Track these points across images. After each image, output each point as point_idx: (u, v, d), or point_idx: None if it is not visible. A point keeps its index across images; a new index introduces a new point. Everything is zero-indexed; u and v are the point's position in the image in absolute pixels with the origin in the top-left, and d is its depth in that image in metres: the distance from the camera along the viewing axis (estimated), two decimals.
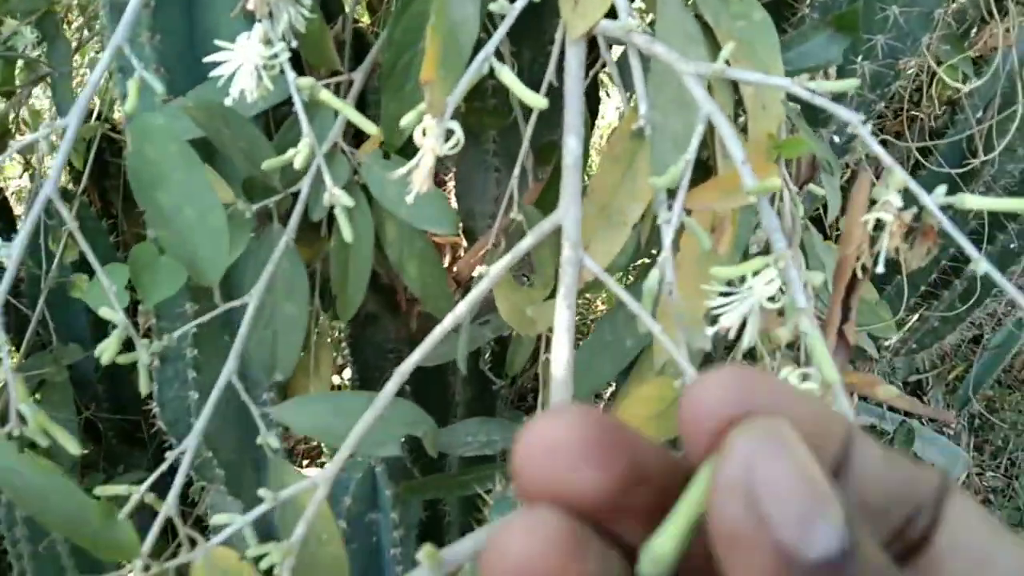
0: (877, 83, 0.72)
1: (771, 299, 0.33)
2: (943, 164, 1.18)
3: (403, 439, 0.48)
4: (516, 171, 0.50)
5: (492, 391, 1.10)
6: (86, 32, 1.03)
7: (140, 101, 0.52)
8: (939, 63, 0.84)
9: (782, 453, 0.15)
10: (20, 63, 0.95)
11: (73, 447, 0.39)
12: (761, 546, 0.14)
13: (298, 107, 0.39)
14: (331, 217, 0.63)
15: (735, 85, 0.49)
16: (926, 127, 1.20)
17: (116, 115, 1.32)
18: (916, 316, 1.53)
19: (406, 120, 0.34)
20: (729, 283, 0.34)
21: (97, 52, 1.32)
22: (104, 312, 0.43)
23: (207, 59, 0.37)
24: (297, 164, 0.39)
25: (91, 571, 1.00)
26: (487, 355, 1.12)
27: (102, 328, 1.14)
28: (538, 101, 0.35)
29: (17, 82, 0.99)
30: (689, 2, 0.46)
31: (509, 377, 1.07)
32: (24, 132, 1.25)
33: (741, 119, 0.50)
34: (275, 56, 0.39)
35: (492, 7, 0.37)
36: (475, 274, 0.74)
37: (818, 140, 0.60)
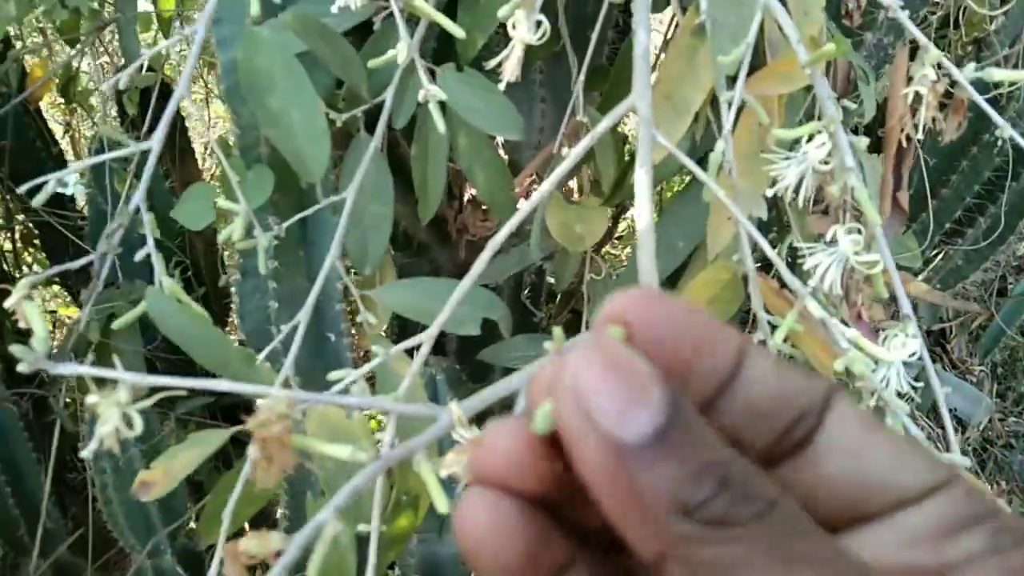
0: (906, 6, 0.75)
1: (823, 161, 0.38)
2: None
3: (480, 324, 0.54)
4: (581, 78, 0.55)
5: (533, 322, 1.16)
6: None
7: (231, 24, 0.57)
8: None
9: (601, 358, 0.17)
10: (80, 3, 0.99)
11: (199, 310, 0.45)
12: (590, 438, 0.17)
13: (396, 12, 0.44)
14: (407, 134, 0.68)
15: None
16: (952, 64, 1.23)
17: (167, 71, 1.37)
18: (940, 255, 1.56)
19: (503, 12, 0.39)
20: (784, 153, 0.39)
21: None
22: (223, 204, 0.49)
23: None
24: (400, 59, 0.44)
25: (175, 515, 1.07)
26: (527, 290, 1.18)
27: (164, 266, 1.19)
28: None
29: (82, 30, 1.04)
30: None
31: (556, 296, 1.13)
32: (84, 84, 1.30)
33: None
34: None
35: None
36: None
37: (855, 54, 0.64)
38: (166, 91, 1.35)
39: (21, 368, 0.28)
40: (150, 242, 0.46)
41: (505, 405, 0.35)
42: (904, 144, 0.41)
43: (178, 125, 1.38)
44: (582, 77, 0.56)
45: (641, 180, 0.38)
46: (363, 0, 0.44)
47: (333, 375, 0.44)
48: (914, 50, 1.03)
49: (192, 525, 1.16)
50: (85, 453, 0.34)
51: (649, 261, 0.34)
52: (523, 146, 0.92)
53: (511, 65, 0.40)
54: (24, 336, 1.38)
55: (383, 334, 1.20)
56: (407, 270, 1.03)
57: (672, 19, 0.76)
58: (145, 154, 1.24)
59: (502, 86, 0.41)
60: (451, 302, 0.44)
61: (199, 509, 1.07)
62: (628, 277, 0.65)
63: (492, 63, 0.41)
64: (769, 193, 0.39)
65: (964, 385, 2.10)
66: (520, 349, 0.88)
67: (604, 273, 0.86)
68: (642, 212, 0.37)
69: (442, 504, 0.26)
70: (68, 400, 1.14)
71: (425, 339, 0.43)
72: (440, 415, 0.28)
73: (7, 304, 0.42)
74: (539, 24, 0.40)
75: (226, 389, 0.27)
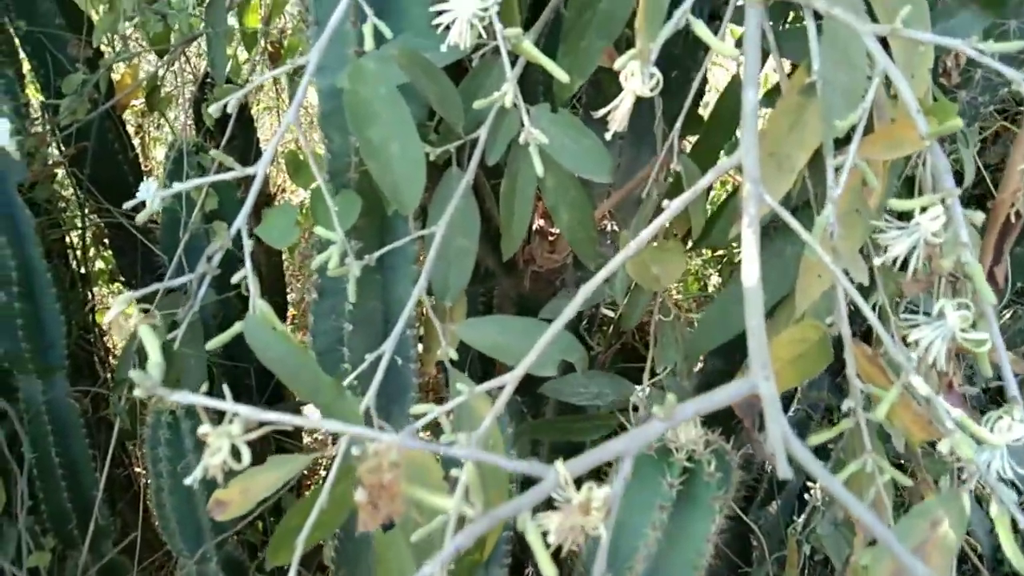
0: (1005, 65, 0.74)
1: (935, 234, 0.37)
2: None
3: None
4: (679, 124, 0.55)
5: (590, 356, 1.16)
6: None
7: (333, 50, 0.58)
8: None
9: None
10: (180, 22, 1.02)
11: (294, 338, 0.45)
12: None
13: (503, 55, 0.45)
14: (485, 168, 0.69)
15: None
16: None
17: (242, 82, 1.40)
18: (1009, 314, 1.52)
19: (619, 63, 0.39)
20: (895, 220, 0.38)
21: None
22: (320, 231, 0.49)
23: (438, 19, 0.43)
24: (507, 103, 0.44)
25: (225, 525, 1.08)
26: (584, 322, 1.17)
27: (228, 272, 1.22)
28: (730, 51, 0.39)
29: (172, 40, 1.07)
30: None
31: (615, 337, 1.13)
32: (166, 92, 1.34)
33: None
34: (486, 9, 0.44)
35: None
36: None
37: None
38: (244, 104, 1.37)
39: (137, 394, 0.28)
40: (248, 266, 0.47)
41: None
42: (1013, 220, 0.40)
43: (252, 137, 1.41)
44: (678, 125, 0.56)
45: (749, 239, 0.37)
46: (472, 40, 0.44)
47: (415, 409, 0.44)
48: (1003, 112, 1.00)
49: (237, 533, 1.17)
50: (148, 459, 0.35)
51: (759, 323, 0.34)
52: (595, 183, 0.92)
53: (620, 115, 0.40)
54: (89, 331, 1.41)
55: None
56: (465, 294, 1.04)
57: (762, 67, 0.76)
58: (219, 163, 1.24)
59: (609, 135, 0.41)
60: (539, 344, 0.44)
61: (250, 520, 1.08)
62: (712, 325, 0.64)
63: (600, 113, 0.41)
64: (877, 263, 0.38)
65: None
66: (581, 385, 0.88)
67: (672, 315, 0.85)
68: (750, 271, 0.37)
69: (550, 570, 0.25)
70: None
71: (509, 380, 0.43)
72: (547, 475, 0.28)
73: (106, 320, 0.43)
74: (651, 76, 0.40)
75: (333, 430, 0.27)
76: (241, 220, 0.47)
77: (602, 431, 0.87)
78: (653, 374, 0.85)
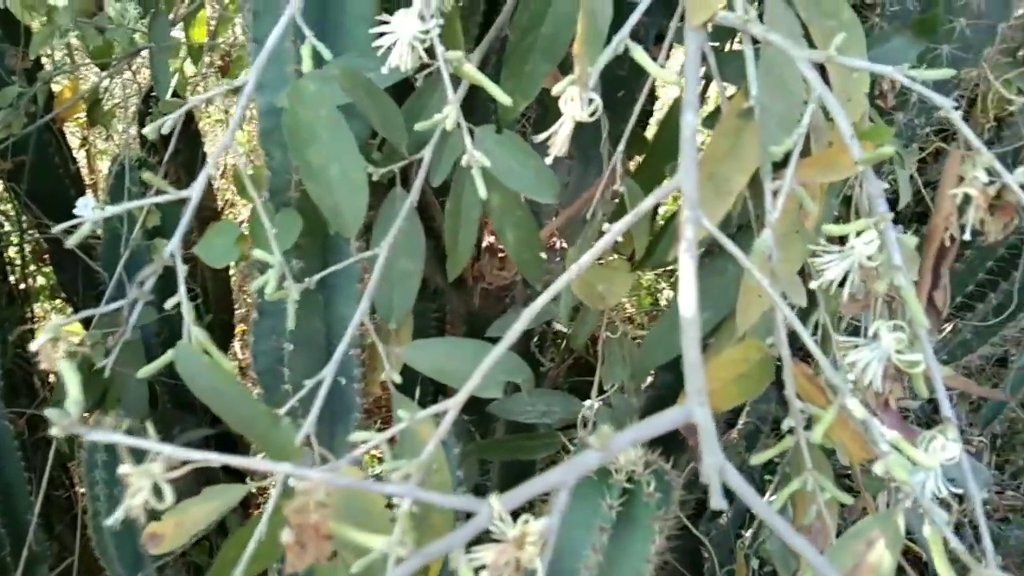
0: (938, 90, 0.76)
1: (869, 257, 0.37)
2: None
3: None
4: (621, 147, 0.55)
5: (540, 372, 1.16)
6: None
7: (272, 69, 0.57)
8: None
9: None
10: (119, 36, 1.00)
11: (228, 365, 0.44)
12: None
13: (445, 77, 0.44)
14: (442, 186, 0.68)
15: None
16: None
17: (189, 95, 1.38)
18: (949, 327, 1.56)
19: (557, 88, 0.39)
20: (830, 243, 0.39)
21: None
22: (258, 254, 0.48)
23: (379, 41, 0.42)
24: (448, 126, 0.44)
25: (163, 554, 1.05)
26: (535, 339, 1.17)
27: (168, 292, 1.20)
28: (668, 76, 0.40)
29: (114, 53, 1.05)
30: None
31: (567, 352, 1.13)
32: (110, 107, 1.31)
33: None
34: (427, 32, 0.44)
35: None
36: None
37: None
38: (189, 117, 1.35)
39: (54, 432, 0.27)
40: (182, 290, 0.46)
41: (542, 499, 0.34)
42: (947, 244, 0.41)
43: (198, 151, 1.38)
44: (621, 146, 0.56)
45: (686, 266, 0.38)
46: (414, 62, 0.44)
47: (354, 437, 0.43)
48: (941, 132, 1.03)
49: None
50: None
51: (695, 353, 0.34)
52: (543, 203, 0.92)
53: (560, 140, 0.40)
54: (23, 347, 1.37)
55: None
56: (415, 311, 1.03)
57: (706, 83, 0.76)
58: (164, 178, 1.22)
59: (549, 160, 0.41)
60: (482, 368, 0.43)
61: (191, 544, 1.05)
62: (658, 343, 0.65)
63: (541, 137, 0.41)
64: (813, 286, 0.39)
65: (963, 456, 2.07)
66: (528, 403, 0.88)
67: (619, 332, 0.85)
68: (687, 300, 0.37)
69: None
70: None
71: (452, 406, 0.42)
72: (480, 509, 0.27)
73: (33, 346, 0.42)
74: (591, 101, 0.40)
75: (263, 469, 0.26)
76: (174, 243, 0.46)
77: (551, 449, 0.87)
78: (601, 390, 0.85)
